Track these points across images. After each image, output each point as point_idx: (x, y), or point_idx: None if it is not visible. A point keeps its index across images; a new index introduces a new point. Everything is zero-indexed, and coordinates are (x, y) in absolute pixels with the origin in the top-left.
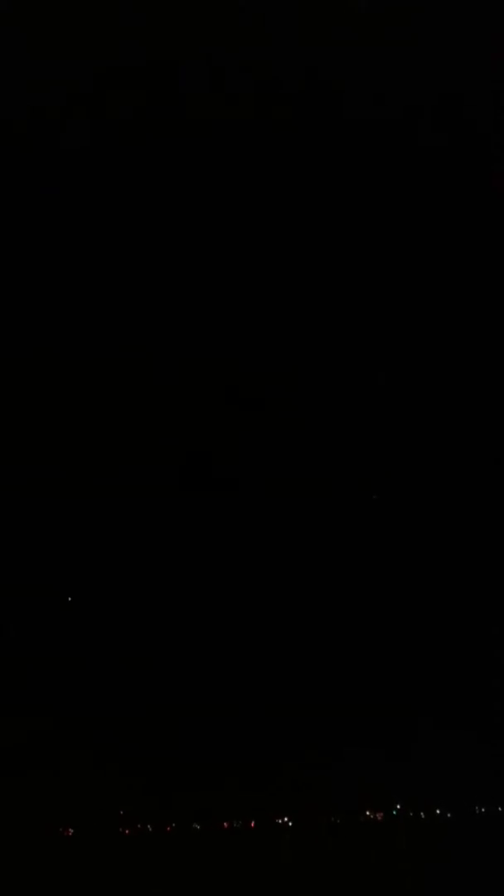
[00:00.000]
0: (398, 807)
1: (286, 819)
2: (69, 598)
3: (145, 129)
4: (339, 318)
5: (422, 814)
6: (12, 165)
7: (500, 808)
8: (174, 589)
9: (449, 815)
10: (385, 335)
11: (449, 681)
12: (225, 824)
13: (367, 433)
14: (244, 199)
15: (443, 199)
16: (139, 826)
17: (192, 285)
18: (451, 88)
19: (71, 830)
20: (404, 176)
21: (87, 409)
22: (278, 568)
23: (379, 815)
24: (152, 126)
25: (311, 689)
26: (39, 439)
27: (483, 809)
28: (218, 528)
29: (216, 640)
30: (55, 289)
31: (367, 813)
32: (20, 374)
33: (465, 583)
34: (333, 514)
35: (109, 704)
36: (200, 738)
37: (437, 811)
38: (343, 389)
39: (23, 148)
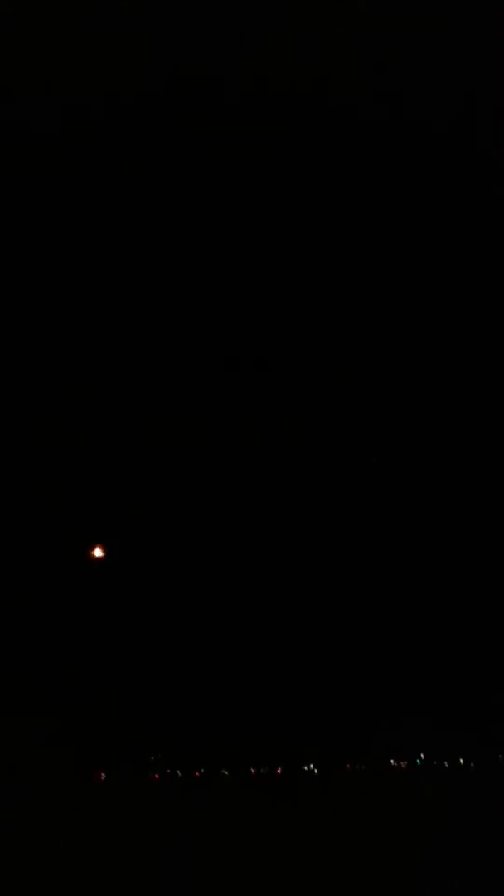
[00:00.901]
0: (422, 756)
1: (311, 766)
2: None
3: (145, 127)
4: (339, 319)
5: (445, 763)
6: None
7: None
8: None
9: (472, 764)
10: (385, 332)
11: (476, 633)
12: (252, 771)
13: (368, 429)
14: (244, 198)
15: (443, 197)
16: (168, 771)
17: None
18: (451, 87)
19: (103, 775)
20: (405, 175)
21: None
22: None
23: (403, 764)
24: (152, 125)
25: (338, 642)
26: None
27: None
28: (218, 529)
29: (250, 599)
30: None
31: (392, 762)
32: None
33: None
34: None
35: (140, 657)
36: (229, 686)
37: (461, 760)
38: (343, 388)
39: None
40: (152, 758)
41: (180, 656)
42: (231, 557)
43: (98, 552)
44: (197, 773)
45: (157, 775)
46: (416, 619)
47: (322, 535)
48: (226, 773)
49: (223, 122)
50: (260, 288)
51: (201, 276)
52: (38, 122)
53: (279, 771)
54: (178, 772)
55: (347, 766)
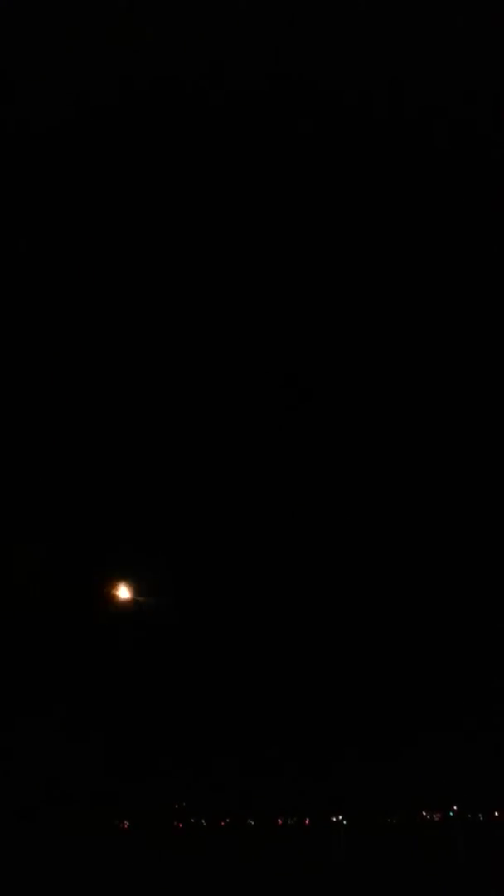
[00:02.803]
0: (455, 808)
1: (341, 818)
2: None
3: (145, 128)
4: (339, 320)
5: (480, 815)
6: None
7: None
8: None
9: None
10: (385, 331)
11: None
12: (279, 821)
13: (368, 432)
14: (243, 197)
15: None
16: (193, 820)
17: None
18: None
19: (126, 823)
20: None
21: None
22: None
23: (436, 816)
24: (151, 125)
25: (370, 690)
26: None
27: None
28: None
29: (275, 639)
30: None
31: (424, 813)
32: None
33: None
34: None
35: (168, 700)
36: (258, 735)
37: (497, 813)
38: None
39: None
40: (177, 805)
41: (210, 702)
42: (254, 607)
43: (124, 593)
44: (223, 823)
45: (181, 824)
46: (448, 665)
47: (336, 578)
48: (252, 822)
49: (222, 118)
50: (260, 288)
51: (199, 277)
52: (37, 120)
53: (307, 822)
54: (203, 821)
55: (377, 817)
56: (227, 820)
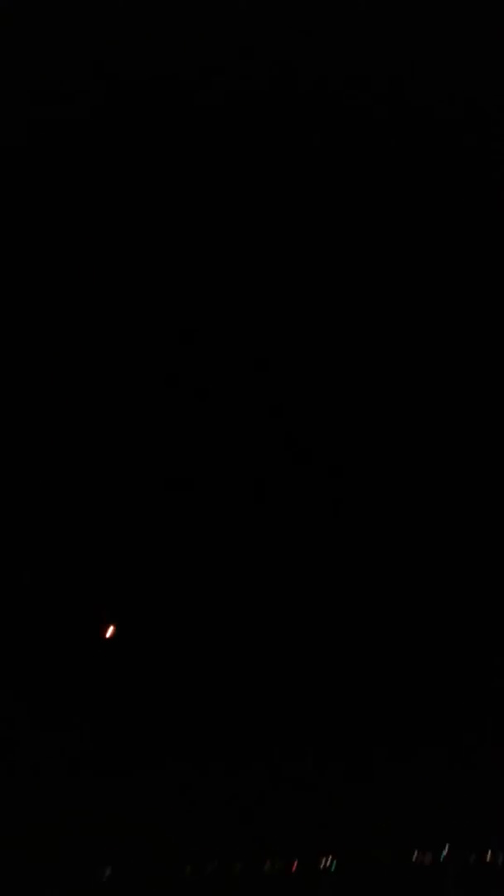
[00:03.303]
0: (448, 847)
1: (328, 861)
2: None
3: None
4: (340, 321)
5: (473, 856)
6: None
7: None
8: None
9: (501, 859)
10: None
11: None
12: (266, 863)
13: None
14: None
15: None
16: (175, 865)
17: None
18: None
19: (108, 870)
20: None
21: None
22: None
23: (427, 857)
24: (151, 125)
25: (357, 729)
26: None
27: None
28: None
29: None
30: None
31: (415, 854)
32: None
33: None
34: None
35: (145, 738)
36: (240, 775)
37: (490, 853)
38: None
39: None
40: (153, 850)
41: (187, 743)
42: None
43: (109, 631)
44: (209, 867)
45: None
46: (439, 703)
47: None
48: (238, 865)
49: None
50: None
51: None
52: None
53: (295, 866)
54: (188, 867)
55: (366, 858)
56: (214, 863)
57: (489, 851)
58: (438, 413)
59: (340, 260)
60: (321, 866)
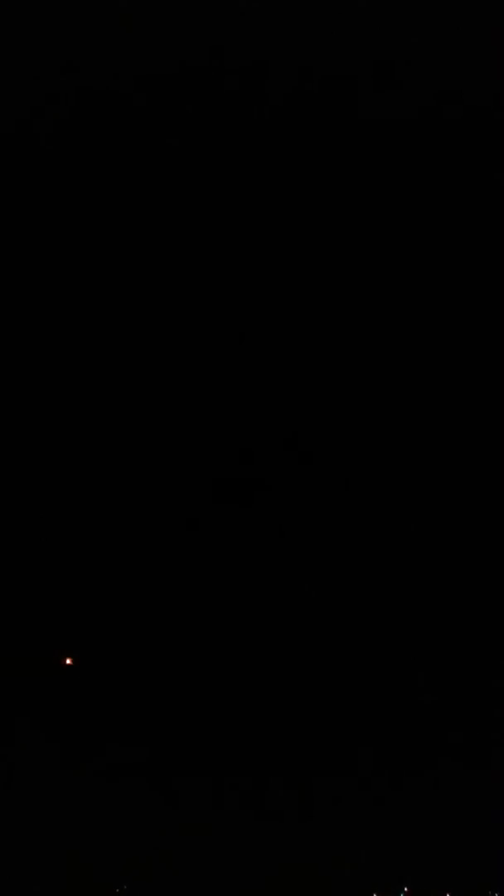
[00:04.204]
0: (405, 890)
1: None
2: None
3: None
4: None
5: None
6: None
7: None
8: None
9: None
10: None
11: (462, 763)
12: None
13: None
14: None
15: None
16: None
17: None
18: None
19: None
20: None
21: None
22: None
23: None
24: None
25: (312, 769)
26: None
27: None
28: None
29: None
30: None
31: None
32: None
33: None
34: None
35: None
36: (191, 819)
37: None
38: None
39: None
40: (117, 890)
41: (166, 773)
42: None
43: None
44: None
45: None
46: (402, 749)
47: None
48: None
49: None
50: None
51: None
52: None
53: None
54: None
55: None
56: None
57: (447, 895)
58: (437, 413)
59: (340, 260)
60: None
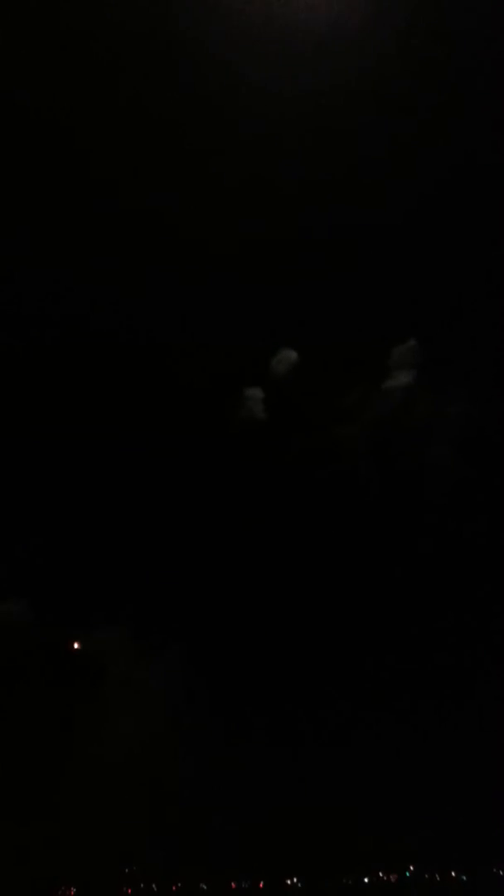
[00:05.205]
0: (411, 868)
1: (295, 880)
2: None
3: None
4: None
5: (437, 875)
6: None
7: None
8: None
9: (464, 877)
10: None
11: (470, 745)
12: (233, 884)
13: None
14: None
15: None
16: (143, 885)
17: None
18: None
19: (73, 890)
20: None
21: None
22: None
23: (393, 877)
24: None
25: (327, 750)
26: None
27: (502, 872)
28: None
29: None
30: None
31: (381, 874)
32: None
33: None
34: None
35: (118, 760)
36: (212, 794)
37: (453, 873)
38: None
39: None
40: (126, 870)
41: (159, 764)
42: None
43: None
44: (174, 888)
45: (130, 889)
46: (408, 732)
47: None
48: (204, 887)
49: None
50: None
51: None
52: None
53: (262, 885)
54: (154, 886)
55: (334, 879)
56: (179, 885)
57: (452, 872)
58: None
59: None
60: (288, 883)
